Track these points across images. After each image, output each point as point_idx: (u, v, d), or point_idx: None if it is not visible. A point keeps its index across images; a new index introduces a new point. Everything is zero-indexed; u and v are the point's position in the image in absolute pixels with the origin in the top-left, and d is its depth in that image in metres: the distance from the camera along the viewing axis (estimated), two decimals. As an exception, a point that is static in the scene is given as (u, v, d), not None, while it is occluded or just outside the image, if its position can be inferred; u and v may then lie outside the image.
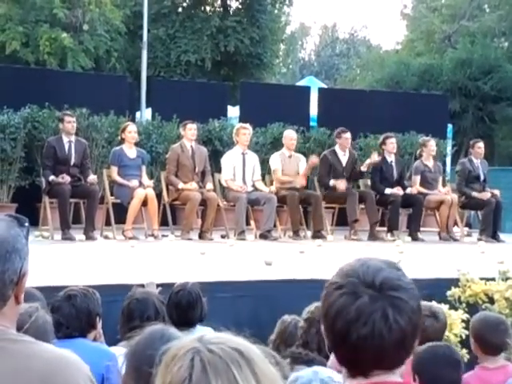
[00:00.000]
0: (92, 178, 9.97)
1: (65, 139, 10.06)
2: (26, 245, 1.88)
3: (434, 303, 5.64)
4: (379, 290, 1.82)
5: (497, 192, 11.76)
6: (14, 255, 1.83)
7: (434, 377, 3.64)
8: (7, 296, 1.82)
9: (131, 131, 10.38)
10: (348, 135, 11.44)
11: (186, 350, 1.47)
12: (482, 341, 4.44)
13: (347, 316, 1.80)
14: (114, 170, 10.35)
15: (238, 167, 10.95)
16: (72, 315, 3.86)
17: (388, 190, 11.34)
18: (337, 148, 11.53)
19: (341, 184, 11.20)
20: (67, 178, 9.74)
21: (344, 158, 11.46)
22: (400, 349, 1.84)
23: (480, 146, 12.09)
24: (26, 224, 1.91)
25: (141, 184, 10.28)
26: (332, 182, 11.26)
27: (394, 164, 11.66)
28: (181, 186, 10.33)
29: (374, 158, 11.32)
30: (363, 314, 1.79)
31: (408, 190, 11.45)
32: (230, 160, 10.95)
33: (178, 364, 1.46)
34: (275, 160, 11.32)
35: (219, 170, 11.29)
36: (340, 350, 1.84)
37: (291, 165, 11.29)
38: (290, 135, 11.56)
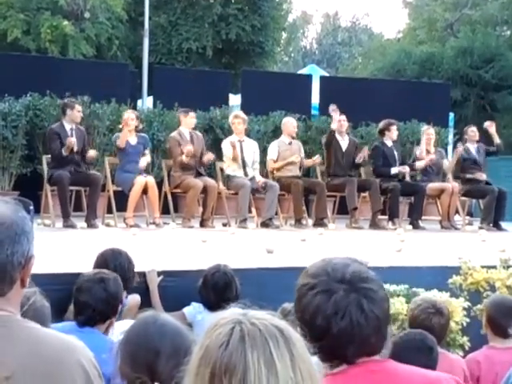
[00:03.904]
0: (92, 152, 9.99)
1: (67, 126, 10.03)
2: (32, 228, 1.89)
3: (435, 291, 5.66)
4: (350, 283, 1.96)
5: (484, 175, 11.80)
6: (22, 237, 1.84)
7: (407, 362, 3.68)
8: (15, 279, 1.83)
9: (127, 118, 10.37)
10: (340, 117, 11.37)
11: (229, 320, 1.52)
12: (494, 323, 4.48)
13: (325, 312, 1.95)
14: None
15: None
16: (102, 298, 3.87)
17: (394, 169, 11.36)
18: (336, 134, 11.52)
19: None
20: (73, 140, 9.76)
21: (344, 142, 11.43)
22: (378, 335, 2.00)
23: (473, 130, 12.20)
24: (31, 207, 1.92)
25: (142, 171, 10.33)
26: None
27: (393, 148, 11.65)
28: (184, 156, 10.33)
29: (365, 152, 11.29)
30: (340, 307, 1.95)
31: (419, 164, 11.55)
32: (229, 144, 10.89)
33: (218, 330, 1.50)
34: (272, 149, 11.30)
35: (220, 158, 11.27)
36: (323, 343, 1.97)
37: (292, 151, 11.25)
38: (292, 122, 11.52)
